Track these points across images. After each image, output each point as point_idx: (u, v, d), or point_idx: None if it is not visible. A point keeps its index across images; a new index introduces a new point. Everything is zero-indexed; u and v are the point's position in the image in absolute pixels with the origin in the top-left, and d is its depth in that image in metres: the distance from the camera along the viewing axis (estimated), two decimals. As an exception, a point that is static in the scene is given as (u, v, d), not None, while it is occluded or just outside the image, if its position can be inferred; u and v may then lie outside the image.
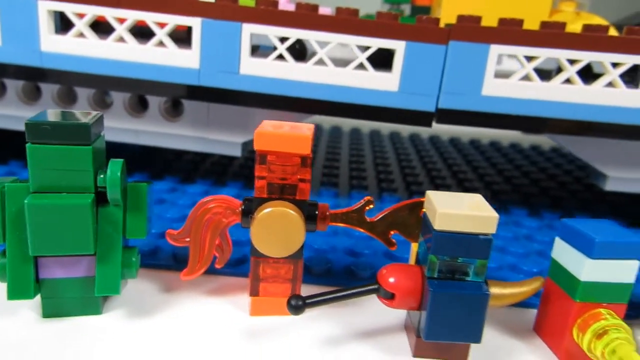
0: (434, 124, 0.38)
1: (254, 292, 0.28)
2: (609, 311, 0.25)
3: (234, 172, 0.50)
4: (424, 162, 0.59)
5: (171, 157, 0.52)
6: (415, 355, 0.26)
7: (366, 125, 0.78)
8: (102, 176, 0.24)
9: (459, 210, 0.23)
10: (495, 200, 0.48)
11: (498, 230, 0.27)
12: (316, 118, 0.78)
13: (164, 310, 0.28)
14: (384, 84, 0.37)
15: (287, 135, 0.25)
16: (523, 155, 0.65)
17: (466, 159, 0.63)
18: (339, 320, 0.28)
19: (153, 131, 0.42)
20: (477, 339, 0.24)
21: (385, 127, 0.77)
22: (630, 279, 0.25)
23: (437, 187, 0.50)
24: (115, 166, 0.24)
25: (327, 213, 0.28)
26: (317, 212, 0.27)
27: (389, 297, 0.25)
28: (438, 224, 0.23)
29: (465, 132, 0.76)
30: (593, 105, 0.36)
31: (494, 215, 0.23)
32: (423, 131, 0.77)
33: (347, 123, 0.77)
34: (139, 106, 0.43)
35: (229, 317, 0.28)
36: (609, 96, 0.36)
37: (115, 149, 0.30)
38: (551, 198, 0.49)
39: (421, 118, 0.37)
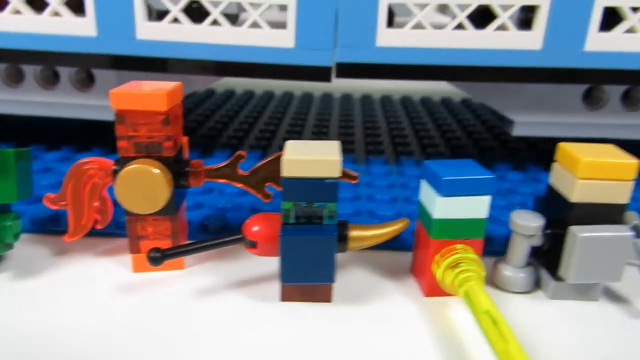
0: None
1: (135, 250, 0.29)
2: (464, 246, 0.26)
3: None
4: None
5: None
6: (282, 300, 0.27)
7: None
8: (-39, 143, 0.25)
9: (304, 156, 0.24)
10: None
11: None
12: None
13: (49, 272, 0.29)
14: (280, 41, 0.37)
15: (141, 94, 0.26)
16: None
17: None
18: (219, 273, 0.29)
19: (65, 103, 0.42)
20: (330, 279, 0.25)
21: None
22: (482, 214, 0.26)
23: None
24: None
25: (200, 169, 0.28)
26: (187, 169, 0.28)
27: (252, 245, 0.26)
28: (285, 171, 0.24)
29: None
30: (486, 50, 0.36)
31: (336, 159, 0.24)
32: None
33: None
34: (53, 79, 0.43)
35: (112, 275, 0.29)
36: (501, 39, 0.36)
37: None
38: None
39: (320, 74, 0.38)
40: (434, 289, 0.27)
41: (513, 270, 0.28)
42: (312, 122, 0.59)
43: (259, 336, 0.24)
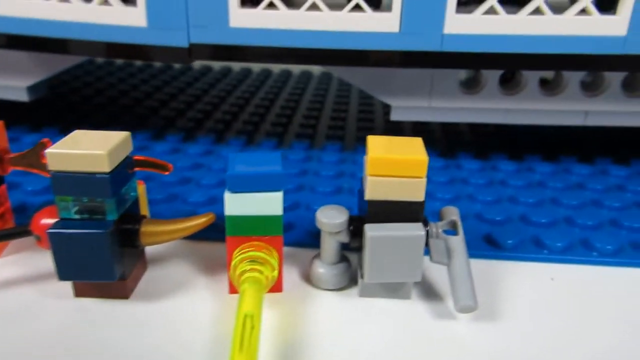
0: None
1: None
2: (259, 243, 0.25)
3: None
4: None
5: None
6: (76, 296, 0.26)
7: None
8: None
9: (68, 149, 0.23)
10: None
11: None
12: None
13: None
14: (132, 20, 0.35)
15: None
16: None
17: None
18: (30, 264, 0.28)
19: None
20: (110, 276, 0.24)
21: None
22: (276, 210, 0.25)
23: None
24: None
25: (5, 157, 0.27)
26: (-14, 157, 0.27)
27: (38, 239, 0.25)
28: (50, 164, 0.23)
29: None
30: (343, 32, 0.34)
31: (103, 152, 0.23)
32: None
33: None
34: None
35: None
36: (359, 22, 0.34)
37: None
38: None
39: (176, 54, 0.36)
40: (232, 285, 0.26)
41: (325, 267, 0.27)
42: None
43: (39, 333, 0.23)
